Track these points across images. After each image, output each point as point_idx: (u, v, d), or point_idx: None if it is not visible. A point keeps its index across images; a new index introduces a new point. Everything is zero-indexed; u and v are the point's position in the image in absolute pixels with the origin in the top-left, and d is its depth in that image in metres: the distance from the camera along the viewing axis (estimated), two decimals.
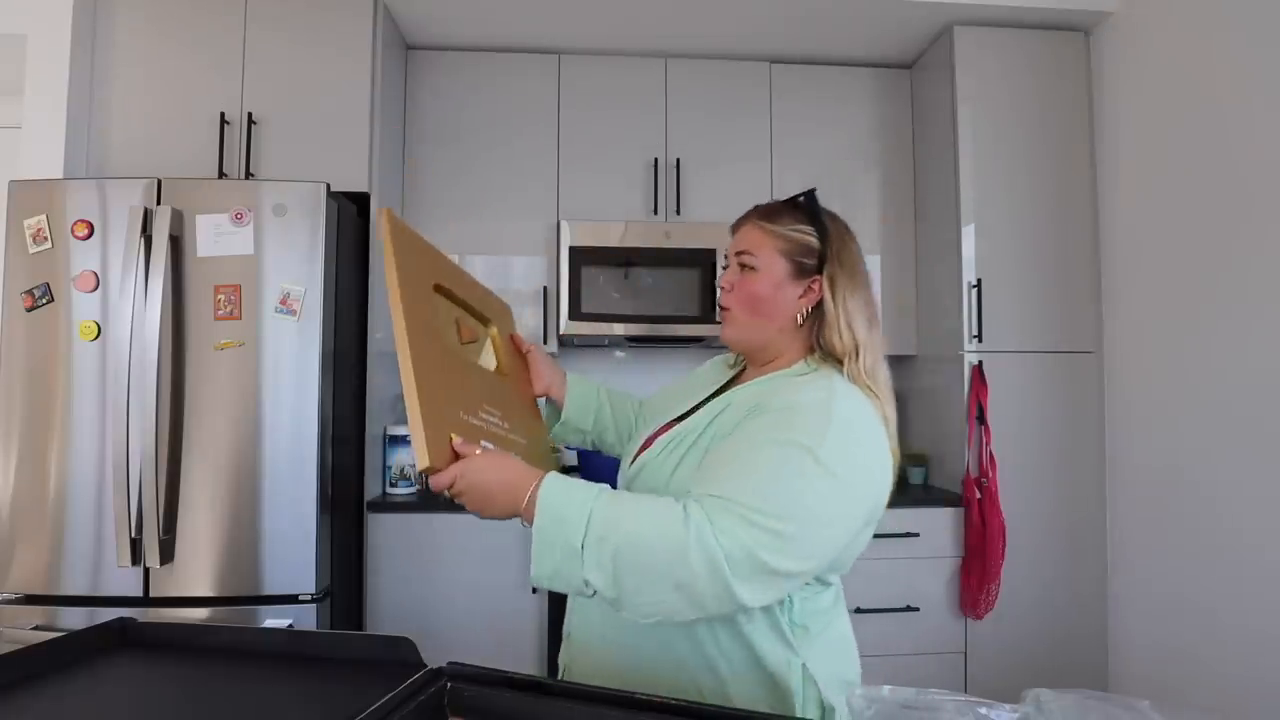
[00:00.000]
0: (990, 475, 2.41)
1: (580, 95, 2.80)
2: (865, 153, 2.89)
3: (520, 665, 2.30)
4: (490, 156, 2.76)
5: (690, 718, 0.69)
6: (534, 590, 2.32)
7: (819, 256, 1.04)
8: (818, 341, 1.03)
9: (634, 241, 2.70)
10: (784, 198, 1.10)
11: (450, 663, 0.80)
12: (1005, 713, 0.63)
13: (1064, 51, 2.62)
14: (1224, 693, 2.02)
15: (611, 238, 2.69)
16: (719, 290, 1.10)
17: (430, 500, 2.45)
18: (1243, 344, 2.01)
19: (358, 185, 2.39)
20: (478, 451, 0.90)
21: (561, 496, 0.86)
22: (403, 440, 2.49)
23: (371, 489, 2.42)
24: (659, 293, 2.67)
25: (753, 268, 1.05)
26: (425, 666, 0.81)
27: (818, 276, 1.03)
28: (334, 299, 2.13)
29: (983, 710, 0.63)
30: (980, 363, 2.49)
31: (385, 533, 2.34)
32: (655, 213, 2.77)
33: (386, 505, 2.36)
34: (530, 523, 0.85)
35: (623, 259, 2.67)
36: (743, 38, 2.75)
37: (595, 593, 0.83)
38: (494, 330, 1.25)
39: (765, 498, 0.83)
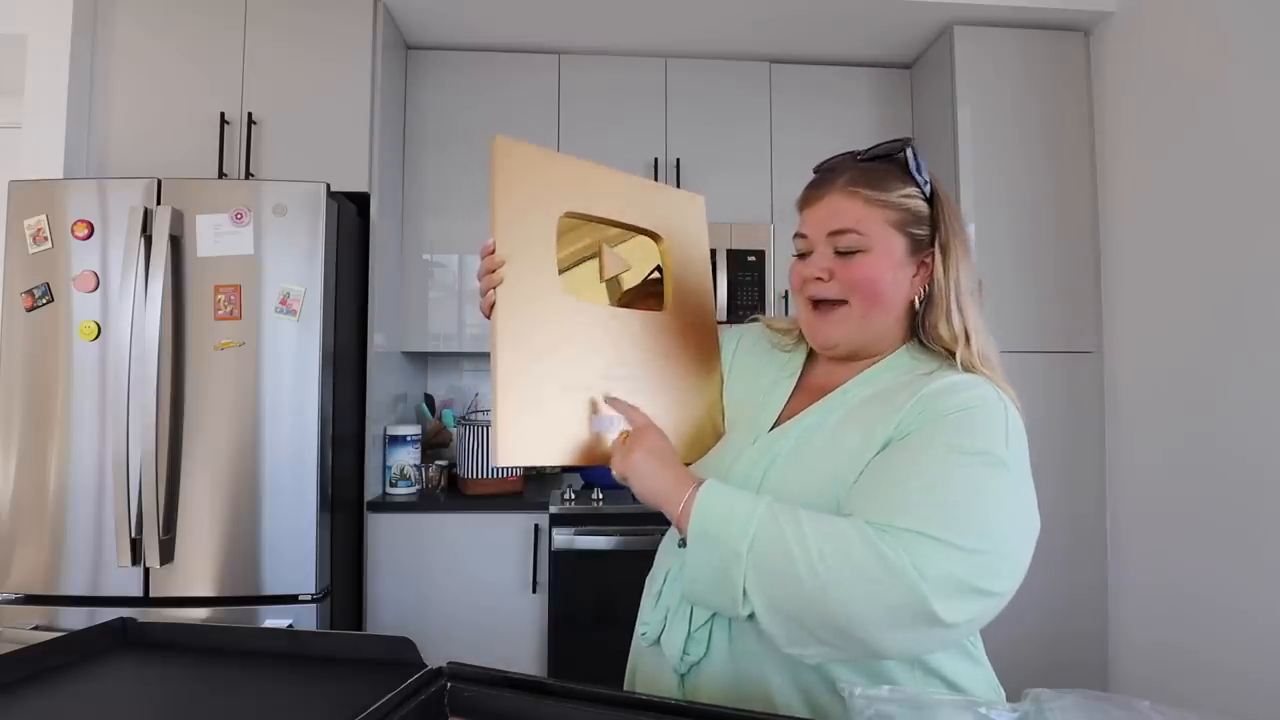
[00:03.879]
0: None
1: (580, 95, 2.80)
2: None
3: (520, 665, 2.30)
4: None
5: (690, 718, 0.69)
6: (534, 591, 2.32)
7: (930, 224, 0.87)
8: (922, 326, 0.88)
9: None
10: (864, 150, 0.90)
11: (450, 663, 0.80)
12: (1005, 713, 0.63)
13: (1064, 51, 2.62)
14: (1225, 692, 2.02)
15: None
16: (808, 282, 0.89)
17: (430, 500, 2.46)
18: (1243, 344, 2.01)
19: (358, 185, 2.39)
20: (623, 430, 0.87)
21: (726, 495, 0.78)
22: (402, 440, 2.49)
23: (371, 489, 2.42)
24: None
25: (863, 249, 0.85)
26: (425, 666, 0.81)
27: (929, 250, 0.87)
28: (334, 299, 2.13)
29: (982, 710, 0.63)
30: None
31: (385, 533, 2.34)
32: None
33: (386, 505, 2.36)
34: (685, 527, 0.78)
35: None
36: (743, 38, 2.75)
37: (751, 614, 0.74)
38: (665, 245, 1.03)
39: (972, 522, 0.73)
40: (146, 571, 1.95)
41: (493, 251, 0.87)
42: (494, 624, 2.33)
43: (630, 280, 1.01)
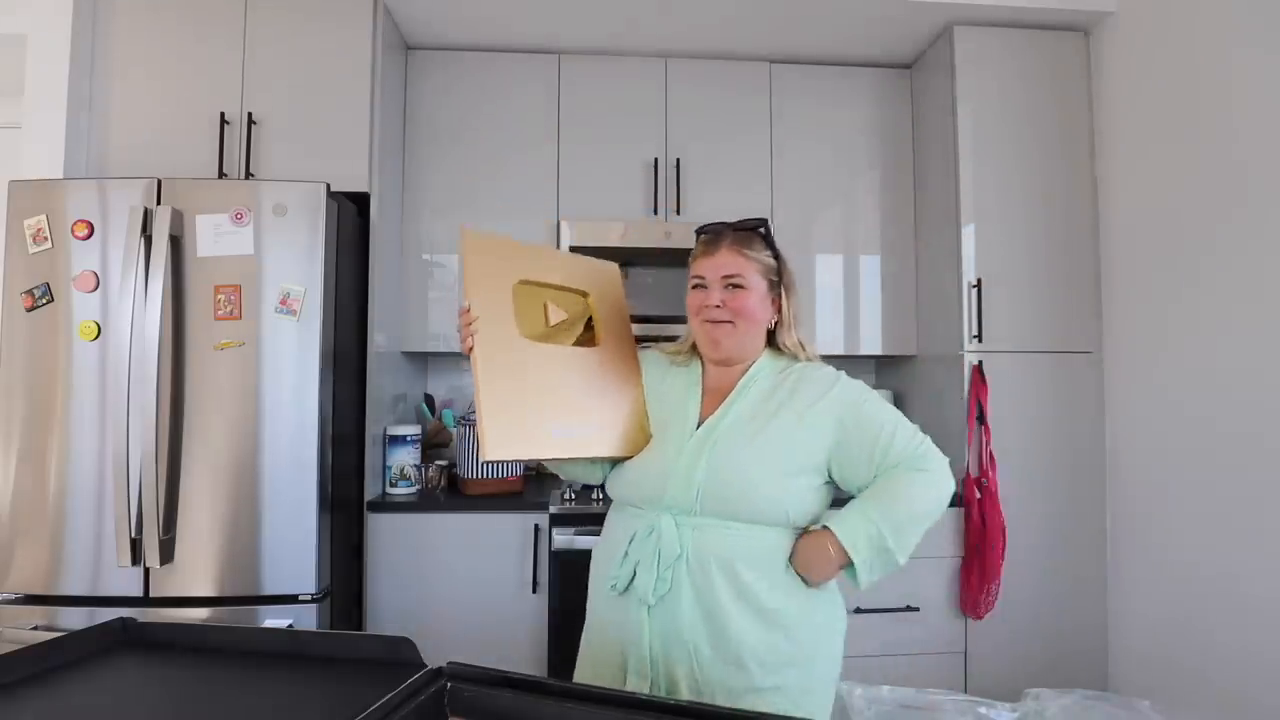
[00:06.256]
0: (990, 475, 2.41)
1: (580, 95, 2.80)
2: (865, 152, 2.89)
3: (520, 665, 2.30)
4: (490, 156, 2.76)
5: (690, 717, 0.69)
6: (534, 591, 2.32)
7: (778, 274, 1.35)
8: (775, 339, 1.38)
9: (634, 241, 2.70)
10: (737, 221, 1.36)
11: (450, 663, 0.80)
12: (1005, 713, 0.63)
13: (1064, 51, 2.62)
14: (1222, 693, 2.03)
15: (612, 237, 2.70)
16: (707, 308, 1.31)
17: (430, 500, 2.46)
18: (1242, 343, 2.01)
19: (358, 185, 2.39)
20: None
21: (850, 528, 1.21)
22: (402, 440, 2.49)
23: (371, 489, 2.41)
24: (659, 292, 2.67)
25: (743, 287, 1.30)
26: (425, 666, 0.81)
27: (778, 290, 1.35)
28: (334, 299, 2.13)
29: (983, 710, 0.63)
30: (980, 363, 2.48)
31: (385, 533, 2.34)
32: (655, 213, 2.77)
33: (386, 505, 2.36)
34: (846, 564, 1.21)
35: (623, 259, 2.66)
36: (743, 38, 2.75)
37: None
38: (591, 299, 1.43)
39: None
40: (146, 571, 1.95)
41: (468, 310, 1.21)
42: (494, 624, 2.32)
43: (571, 326, 1.39)
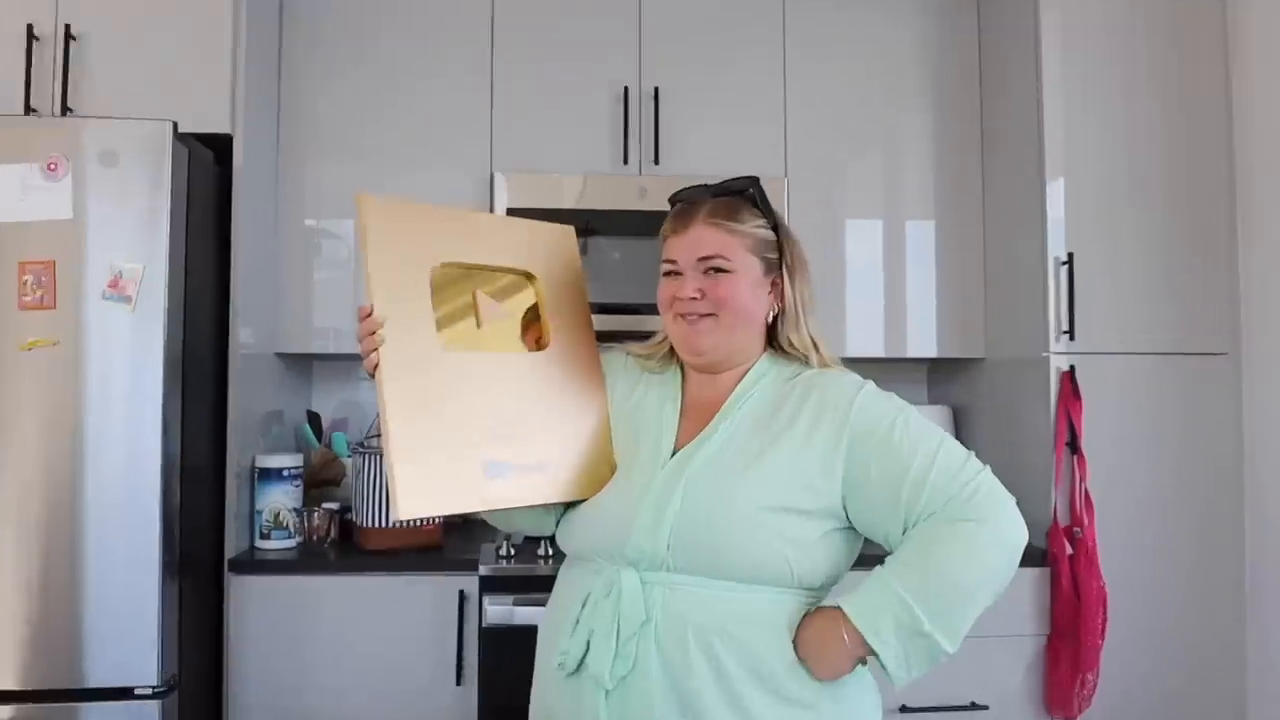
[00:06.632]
0: (1086, 523, 2.41)
1: (523, 5, 2.82)
2: (912, 85, 2.91)
3: None
4: (400, 87, 2.78)
5: None
6: (459, 683, 2.35)
7: (777, 249, 1.37)
8: (778, 337, 1.40)
9: (596, 202, 2.73)
10: (717, 184, 1.40)
11: None
12: None
13: None
14: None
15: (565, 197, 2.73)
16: (679, 300, 1.33)
17: (315, 557, 2.47)
18: None
19: (216, 125, 2.41)
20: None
21: (870, 607, 1.18)
22: (277, 474, 2.52)
23: (236, 542, 2.43)
24: (631, 272, 2.66)
25: (727, 270, 1.32)
26: None
27: (779, 272, 1.37)
28: (183, 281, 2.15)
29: None
30: (1072, 368, 2.50)
31: (253, 601, 2.35)
32: (625, 162, 2.79)
33: (255, 564, 2.39)
34: (870, 654, 1.18)
35: (581, 226, 2.68)
36: None
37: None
38: (538, 283, 1.44)
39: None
40: None
41: (370, 313, 1.21)
42: None
43: (511, 322, 1.41)
